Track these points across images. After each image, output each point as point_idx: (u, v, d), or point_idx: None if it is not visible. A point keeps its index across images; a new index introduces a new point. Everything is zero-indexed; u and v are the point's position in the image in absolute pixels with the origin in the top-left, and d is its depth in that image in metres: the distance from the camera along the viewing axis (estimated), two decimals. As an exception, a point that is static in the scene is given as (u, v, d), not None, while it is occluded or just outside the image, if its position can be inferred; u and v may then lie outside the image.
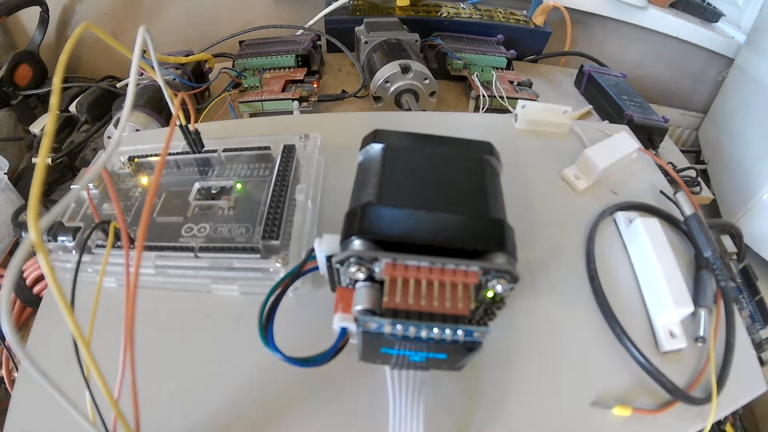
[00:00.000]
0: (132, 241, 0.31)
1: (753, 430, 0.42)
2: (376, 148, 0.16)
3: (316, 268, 0.19)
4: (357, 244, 0.14)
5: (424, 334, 0.15)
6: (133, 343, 0.19)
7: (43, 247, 0.12)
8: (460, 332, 0.15)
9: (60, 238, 0.31)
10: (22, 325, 0.38)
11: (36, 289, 0.37)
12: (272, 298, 0.19)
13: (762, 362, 0.34)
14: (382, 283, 0.15)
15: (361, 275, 0.14)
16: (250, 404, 0.28)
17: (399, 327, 0.15)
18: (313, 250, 0.18)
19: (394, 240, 0.14)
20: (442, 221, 0.14)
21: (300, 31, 0.70)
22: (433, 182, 0.15)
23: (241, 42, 0.67)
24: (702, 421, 0.29)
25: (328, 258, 0.16)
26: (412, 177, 0.16)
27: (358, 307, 0.15)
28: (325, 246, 0.17)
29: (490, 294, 0.15)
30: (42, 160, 0.11)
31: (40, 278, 0.37)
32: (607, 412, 0.29)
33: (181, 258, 0.31)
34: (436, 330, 0.15)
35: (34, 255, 0.34)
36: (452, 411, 0.28)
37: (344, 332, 0.17)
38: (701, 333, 0.33)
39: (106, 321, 0.23)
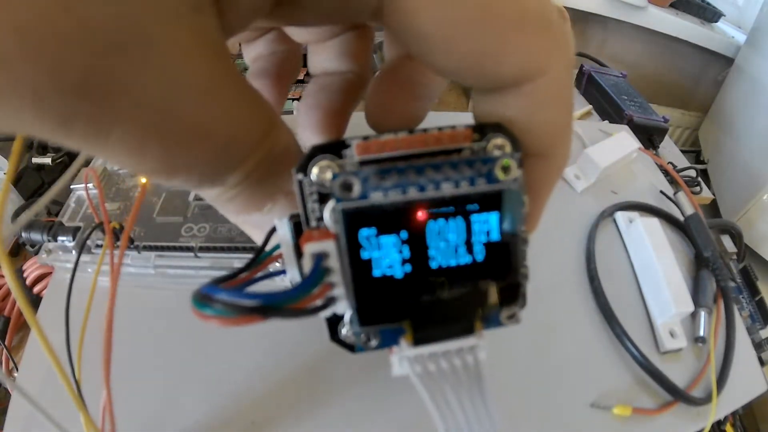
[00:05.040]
0: (132, 240, 0.31)
1: (753, 430, 0.42)
2: None
3: (277, 273, 0.12)
4: (321, 147, 0.11)
5: (428, 176, 0.10)
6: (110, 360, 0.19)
7: (9, 261, 0.12)
8: (479, 165, 0.10)
9: (60, 238, 0.31)
10: (23, 326, 0.38)
11: (36, 289, 0.37)
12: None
13: (762, 362, 0.34)
14: None
15: (329, 175, 0.10)
16: (250, 403, 0.28)
17: (394, 175, 0.10)
18: (269, 238, 0.12)
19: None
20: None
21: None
22: None
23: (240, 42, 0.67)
24: (702, 421, 0.29)
25: (293, 216, 0.11)
26: None
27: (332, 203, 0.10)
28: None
29: (501, 175, 0.11)
30: (8, 180, 0.12)
31: (40, 278, 0.37)
32: (607, 412, 0.29)
33: (181, 258, 0.31)
34: (447, 169, 0.10)
35: (35, 255, 0.34)
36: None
37: (319, 265, 0.11)
38: (701, 333, 0.33)
39: (103, 320, 0.23)
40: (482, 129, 0.11)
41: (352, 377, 0.29)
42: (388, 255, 0.10)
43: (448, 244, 0.11)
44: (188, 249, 0.31)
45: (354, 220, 0.10)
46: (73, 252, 0.32)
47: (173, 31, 0.08)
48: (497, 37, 0.10)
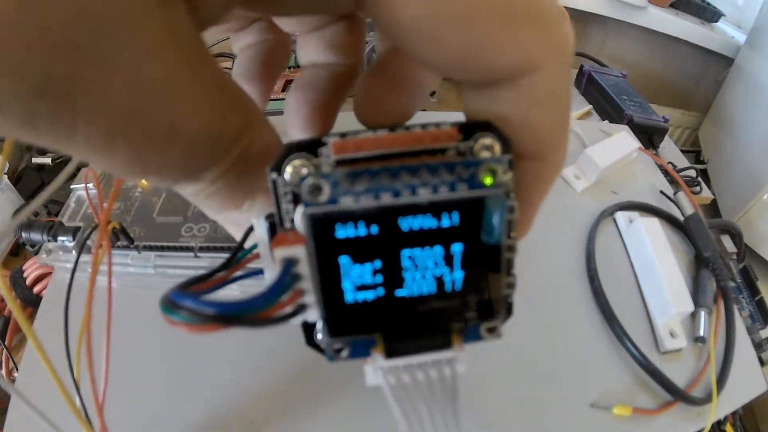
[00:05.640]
0: (132, 240, 0.31)
1: (753, 430, 0.42)
2: None
3: (255, 273, 0.12)
4: (296, 145, 0.10)
5: (404, 180, 0.09)
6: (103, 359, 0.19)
7: (8, 289, 0.12)
8: (460, 168, 0.10)
9: (60, 238, 0.31)
10: (22, 325, 0.38)
11: (36, 289, 0.37)
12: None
13: (762, 362, 0.34)
14: None
15: (305, 171, 0.10)
16: (250, 403, 0.28)
17: (366, 179, 0.09)
18: (247, 237, 0.11)
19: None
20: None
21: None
22: None
23: (241, 42, 0.66)
24: (702, 421, 0.29)
25: (269, 216, 0.11)
26: None
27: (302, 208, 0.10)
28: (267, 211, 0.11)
29: (487, 180, 0.10)
30: None
31: (40, 278, 0.37)
32: (607, 412, 0.29)
33: (181, 258, 0.31)
34: (425, 173, 0.09)
35: (35, 255, 0.34)
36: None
37: (289, 271, 0.10)
38: (701, 333, 0.33)
39: (104, 320, 0.23)
40: (470, 128, 0.10)
41: (352, 377, 0.29)
42: (361, 278, 0.10)
43: (423, 254, 0.10)
44: (188, 249, 0.31)
45: (322, 225, 0.09)
46: (73, 252, 0.32)
47: (138, 29, 0.07)
48: (487, 30, 0.09)
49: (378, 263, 0.10)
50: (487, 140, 0.10)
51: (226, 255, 0.32)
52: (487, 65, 0.10)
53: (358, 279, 0.10)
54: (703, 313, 0.34)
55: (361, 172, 0.09)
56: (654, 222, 0.38)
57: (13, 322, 0.37)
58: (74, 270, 0.26)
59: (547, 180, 0.12)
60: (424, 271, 0.10)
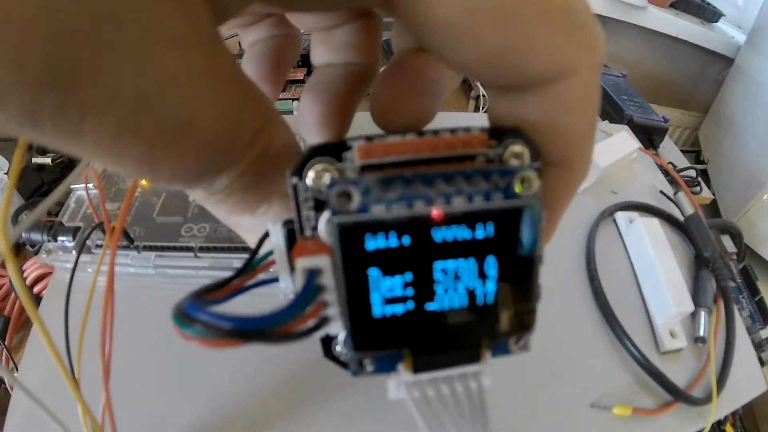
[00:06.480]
0: (132, 240, 0.31)
1: (753, 430, 0.42)
2: None
3: (270, 281, 0.11)
4: (319, 148, 0.10)
5: (438, 188, 0.09)
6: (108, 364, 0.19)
7: (13, 259, 0.12)
8: (495, 177, 0.09)
9: (60, 238, 0.31)
10: (23, 326, 0.38)
11: (36, 289, 0.37)
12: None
13: (762, 362, 0.34)
14: None
15: (327, 180, 0.09)
16: (250, 404, 0.28)
17: (399, 186, 0.09)
18: (262, 243, 0.11)
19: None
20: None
21: (300, 31, 0.70)
22: None
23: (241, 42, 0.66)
24: (702, 421, 0.29)
25: (287, 222, 0.10)
26: None
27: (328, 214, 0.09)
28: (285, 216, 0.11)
29: (518, 188, 0.09)
30: (12, 182, 0.11)
31: (40, 278, 0.37)
32: (607, 412, 0.29)
33: (181, 258, 0.31)
34: (460, 180, 0.09)
35: (35, 255, 0.34)
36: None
37: (312, 282, 0.09)
38: (701, 333, 0.33)
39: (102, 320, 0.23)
40: (499, 133, 0.10)
41: (352, 379, 0.29)
42: (389, 289, 0.09)
43: (456, 266, 0.09)
44: (188, 249, 0.31)
45: (351, 235, 0.09)
46: (73, 252, 0.32)
47: (152, 16, 0.07)
48: (523, 30, 0.09)
49: (409, 276, 0.09)
50: (517, 147, 0.10)
51: (226, 255, 0.32)
52: (520, 68, 0.09)
53: (387, 292, 0.09)
54: (703, 313, 0.34)
55: (394, 178, 0.09)
56: (654, 222, 0.38)
57: (13, 322, 0.37)
58: (74, 270, 0.26)
59: (572, 187, 0.11)
60: (456, 284, 0.10)
